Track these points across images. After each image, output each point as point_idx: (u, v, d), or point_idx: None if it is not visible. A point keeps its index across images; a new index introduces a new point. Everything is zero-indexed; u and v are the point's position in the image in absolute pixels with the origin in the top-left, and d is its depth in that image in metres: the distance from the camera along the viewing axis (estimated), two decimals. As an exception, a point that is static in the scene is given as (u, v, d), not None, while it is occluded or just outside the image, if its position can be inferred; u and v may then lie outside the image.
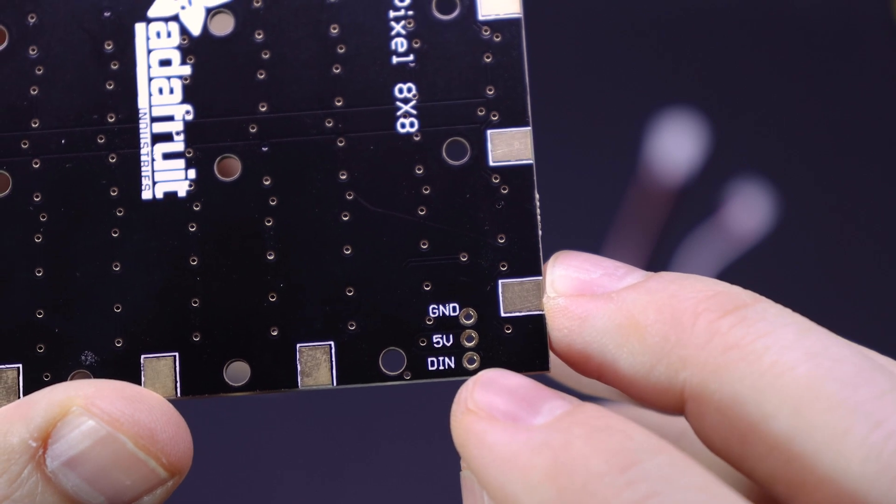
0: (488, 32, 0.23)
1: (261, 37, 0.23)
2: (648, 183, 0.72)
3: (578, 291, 0.22)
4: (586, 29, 0.76)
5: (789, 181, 0.71)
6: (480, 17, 0.23)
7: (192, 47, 0.23)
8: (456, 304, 0.22)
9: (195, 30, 0.22)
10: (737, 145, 0.73)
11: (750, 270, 0.69)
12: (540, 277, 0.22)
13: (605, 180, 0.72)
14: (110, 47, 0.22)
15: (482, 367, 0.22)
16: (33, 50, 0.22)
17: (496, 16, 0.23)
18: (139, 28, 0.22)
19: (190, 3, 0.23)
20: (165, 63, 0.22)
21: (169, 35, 0.23)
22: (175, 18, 0.23)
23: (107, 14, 0.22)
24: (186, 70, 0.22)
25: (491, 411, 0.20)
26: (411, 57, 0.23)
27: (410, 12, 0.23)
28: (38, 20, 0.22)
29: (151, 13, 0.23)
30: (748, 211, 0.70)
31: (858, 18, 0.72)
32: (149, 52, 0.22)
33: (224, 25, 0.23)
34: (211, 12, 0.23)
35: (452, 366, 0.22)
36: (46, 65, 0.22)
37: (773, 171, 0.71)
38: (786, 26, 0.71)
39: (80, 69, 0.22)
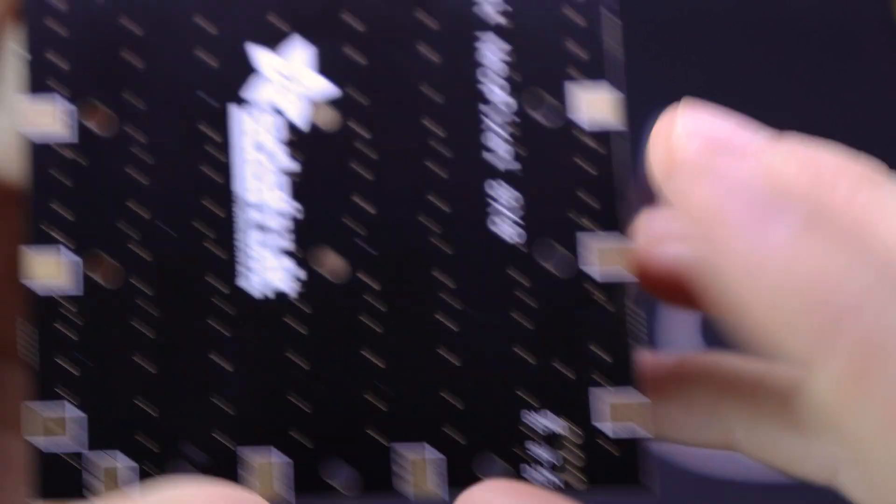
0: (588, 140, 0.22)
1: (366, 134, 0.22)
2: (648, 183, 0.72)
3: (712, 146, 0.21)
4: (586, 29, 0.76)
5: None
6: (581, 124, 0.22)
7: (296, 140, 0.22)
8: (551, 413, 0.22)
9: (299, 121, 0.22)
10: (736, 145, 0.73)
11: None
12: (634, 390, 0.22)
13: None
14: (208, 131, 0.22)
15: (577, 477, 0.22)
16: (138, 134, 0.22)
17: (597, 125, 0.22)
18: (237, 112, 0.22)
19: (294, 94, 0.22)
20: (268, 154, 0.22)
21: (272, 126, 0.22)
22: (278, 109, 0.22)
23: (212, 101, 0.22)
24: (289, 163, 0.22)
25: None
26: (511, 160, 0.22)
27: (517, 119, 0.22)
28: (145, 106, 0.22)
29: (255, 101, 0.22)
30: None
31: (858, 18, 0.72)
32: (252, 143, 0.22)
33: (328, 119, 0.22)
34: (315, 105, 0.22)
35: (550, 477, 0.22)
36: (152, 151, 0.22)
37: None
38: (785, 26, 0.71)
39: (181, 155, 0.22)
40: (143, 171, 0.22)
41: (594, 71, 0.23)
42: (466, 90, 0.22)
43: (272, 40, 0.22)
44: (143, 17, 0.22)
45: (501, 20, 0.23)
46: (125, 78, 0.22)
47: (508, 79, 0.23)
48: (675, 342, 0.62)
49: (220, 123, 0.22)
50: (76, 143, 0.22)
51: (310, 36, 0.22)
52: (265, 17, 0.22)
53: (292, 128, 0.22)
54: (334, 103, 0.22)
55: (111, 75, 0.22)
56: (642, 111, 0.73)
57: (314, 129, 0.22)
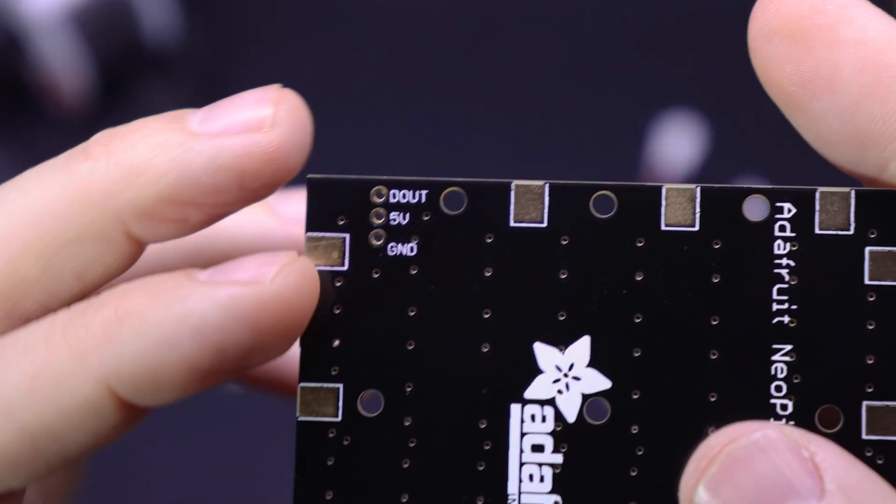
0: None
1: (636, 430, 0.22)
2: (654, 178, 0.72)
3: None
4: (586, 29, 0.76)
5: (789, 181, 0.71)
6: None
7: (566, 434, 0.22)
8: None
9: (570, 416, 0.22)
10: (737, 145, 0.73)
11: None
12: None
13: (605, 180, 0.72)
14: (484, 426, 0.22)
15: None
16: (408, 421, 0.22)
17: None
18: (514, 409, 0.22)
19: (567, 388, 0.22)
20: (538, 449, 0.22)
21: (544, 420, 0.22)
22: (551, 402, 0.22)
23: (484, 391, 0.22)
24: (558, 458, 0.22)
25: None
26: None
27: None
28: (414, 390, 0.22)
29: (528, 395, 0.22)
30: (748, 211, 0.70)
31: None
32: (522, 435, 0.22)
33: (599, 413, 0.22)
34: (586, 399, 0.22)
35: None
36: (420, 436, 0.22)
37: (773, 171, 0.71)
38: (785, 26, 0.71)
39: (452, 445, 0.22)
40: (406, 455, 0.22)
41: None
42: (753, 405, 0.22)
43: (558, 339, 0.22)
44: (424, 303, 0.22)
45: (794, 328, 0.22)
46: (398, 361, 0.22)
47: (799, 393, 0.22)
48: None
49: (502, 423, 0.22)
50: (339, 421, 0.22)
51: (593, 332, 0.22)
52: (556, 316, 0.22)
53: (560, 419, 0.22)
54: (604, 395, 0.22)
55: (383, 357, 0.22)
56: (642, 111, 0.73)
57: (581, 421, 0.22)
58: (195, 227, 0.21)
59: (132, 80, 0.75)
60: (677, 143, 0.72)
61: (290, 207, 0.27)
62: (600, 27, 0.75)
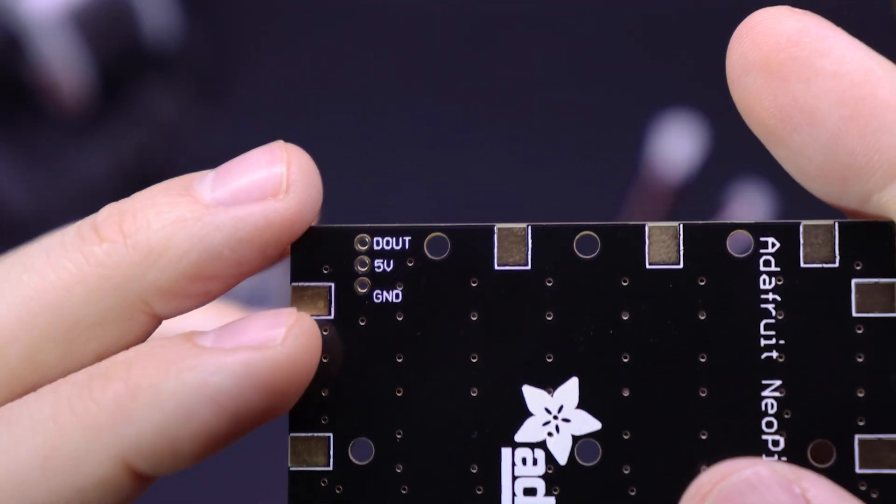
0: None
1: (627, 471, 0.22)
2: (649, 183, 0.72)
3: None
4: (586, 29, 0.76)
5: (789, 181, 0.71)
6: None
7: (558, 477, 0.22)
8: None
9: (562, 458, 0.22)
10: (737, 145, 0.73)
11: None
12: None
13: (605, 180, 0.73)
14: (475, 470, 0.22)
15: None
16: (399, 468, 0.22)
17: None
18: (505, 453, 0.22)
19: (558, 430, 0.22)
20: (530, 492, 0.22)
21: (535, 462, 0.22)
22: (542, 445, 0.22)
23: (474, 435, 0.22)
24: (551, 501, 0.22)
25: None
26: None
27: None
28: (404, 437, 0.22)
29: (518, 438, 0.22)
30: (748, 211, 0.70)
31: (858, 18, 0.72)
32: (514, 478, 0.22)
33: (590, 455, 0.22)
34: (577, 440, 0.22)
35: None
36: (412, 483, 0.22)
37: (773, 171, 0.71)
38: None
39: (445, 490, 0.22)
40: (399, 502, 0.22)
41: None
42: (744, 441, 0.22)
43: (547, 381, 0.22)
44: (411, 349, 0.22)
45: (782, 363, 0.22)
46: (387, 408, 0.22)
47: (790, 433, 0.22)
48: None
49: (493, 467, 0.22)
50: (331, 470, 0.22)
51: (581, 373, 0.22)
52: (544, 358, 0.22)
53: (551, 462, 0.22)
54: (595, 436, 0.22)
55: (372, 405, 0.22)
56: (642, 111, 0.73)
57: (572, 462, 0.22)
58: (215, 297, 0.21)
59: (132, 80, 0.75)
60: (677, 143, 0.72)
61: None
62: (600, 27, 0.75)
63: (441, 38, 0.76)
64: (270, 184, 0.20)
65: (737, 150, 0.74)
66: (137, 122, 0.75)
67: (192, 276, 0.20)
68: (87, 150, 0.73)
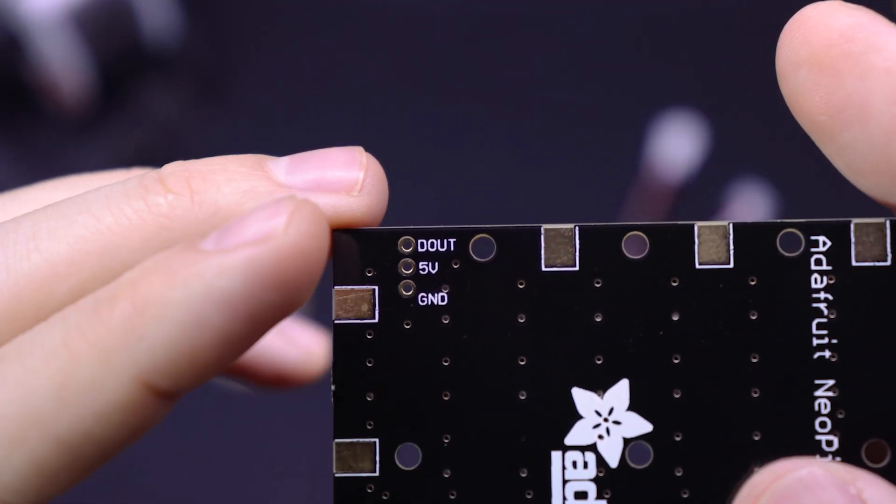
0: None
1: (679, 473, 0.21)
2: (649, 183, 0.72)
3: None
4: (586, 29, 0.76)
5: (789, 181, 0.71)
6: None
7: (609, 480, 0.21)
8: None
9: (613, 461, 0.21)
10: (737, 145, 0.73)
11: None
12: None
13: (605, 180, 0.72)
14: (525, 474, 0.21)
15: None
16: (447, 473, 0.21)
17: None
18: (555, 456, 0.22)
19: (608, 432, 0.22)
20: (581, 496, 0.21)
21: (586, 466, 0.21)
22: (593, 448, 0.21)
23: (523, 439, 0.21)
24: (597, 501, 0.21)
25: None
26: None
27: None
28: (452, 441, 0.21)
29: (569, 441, 0.22)
30: (747, 211, 0.70)
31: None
32: (564, 482, 0.21)
33: (642, 457, 0.21)
34: (628, 443, 0.21)
35: None
36: (460, 488, 0.21)
37: (773, 171, 0.71)
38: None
39: (494, 495, 0.21)
40: None
41: None
42: (797, 442, 0.21)
43: (597, 383, 0.22)
44: (458, 352, 0.22)
45: (835, 363, 0.22)
46: (434, 412, 0.22)
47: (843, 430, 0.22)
48: None
49: (543, 471, 0.21)
50: (377, 476, 0.22)
51: (631, 374, 0.22)
52: (593, 360, 0.22)
53: (602, 464, 0.22)
54: (646, 438, 0.22)
55: (419, 409, 0.22)
56: (642, 111, 0.73)
57: (623, 465, 0.22)
58: None
59: (132, 80, 0.75)
60: (677, 143, 0.72)
61: (308, 338, 0.27)
62: (600, 27, 0.75)
63: (441, 38, 0.76)
64: (346, 181, 0.20)
65: (737, 150, 0.74)
66: (137, 122, 0.75)
67: None
68: (87, 150, 0.73)
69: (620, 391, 0.22)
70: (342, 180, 0.20)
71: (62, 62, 0.71)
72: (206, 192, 0.20)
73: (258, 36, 0.77)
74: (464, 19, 0.76)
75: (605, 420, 0.22)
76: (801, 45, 0.20)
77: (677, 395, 0.22)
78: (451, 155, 0.73)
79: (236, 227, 0.19)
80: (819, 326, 0.21)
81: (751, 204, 0.70)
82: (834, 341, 0.21)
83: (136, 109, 0.75)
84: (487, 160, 0.73)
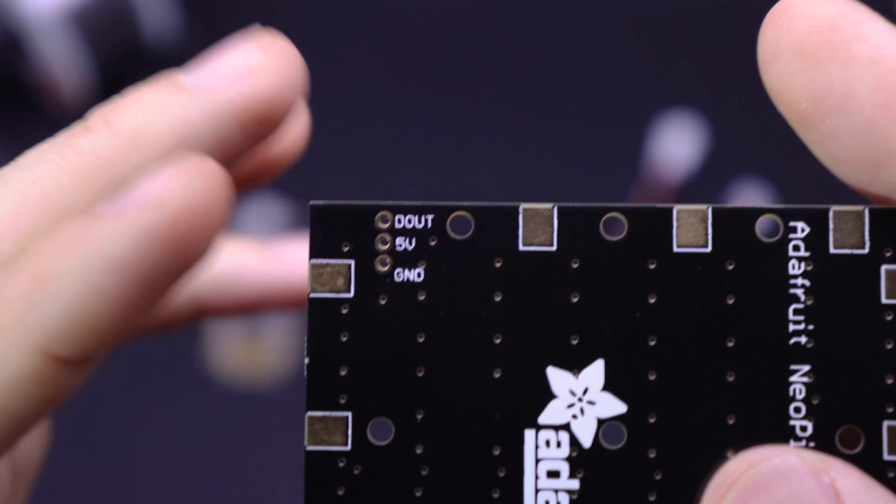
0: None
1: (653, 455, 0.21)
2: (649, 183, 0.72)
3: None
4: (586, 29, 0.76)
5: (789, 181, 0.71)
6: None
7: (582, 459, 0.21)
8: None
9: (586, 441, 0.21)
10: (737, 145, 0.73)
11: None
12: None
13: (605, 180, 0.73)
14: (498, 452, 0.21)
15: None
16: (419, 449, 0.21)
17: None
18: (528, 435, 0.21)
19: (582, 412, 0.22)
20: (554, 475, 0.21)
21: (559, 445, 0.21)
22: (566, 427, 0.21)
23: (497, 417, 0.21)
24: (574, 484, 0.21)
25: None
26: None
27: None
28: (425, 417, 0.21)
29: (542, 420, 0.21)
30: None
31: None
32: (537, 461, 0.21)
33: (615, 438, 0.21)
34: (602, 423, 0.21)
35: None
36: (432, 464, 0.21)
37: (772, 170, 0.71)
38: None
39: (466, 472, 0.21)
40: (419, 483, 0.21)
41: None
42: (772, 427, 0.21)
43: (572, 363, 0.22)
44: (433, 329, 0.22)
45: (811, 349, 0.22)
46: (408, 388, 0.22)
47: (817, 418, 0.22)
48: None
49: (516, 449, 0.21)
50: (349, 450, 0.22)
51: (607, 355, 0.22)
52: (569, 339, 0.22)
53: (575, 444, 0.22)
54: (620, 419, 0.22)
55: (392, 384, 0.22)
56: (642, 111, 0.73)
57: (596, 445, 0.22)
58: None
59: (132, 80, 0.75)
60: (677, 143, 0.72)
61: (291, 252, 0.27)
62: (600, 27, 0.75)
63: (441, 38, 0.76)
64: (247, 66, 0.21)
65: (737, 150, 0.74)
66: (137, 122, 0.75)
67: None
68: (87, 150, 0.73)
69: (595, 371, 0.22)
70: (245, 67, 0.21)
71: (62, 62, 0.71)
72: (120, 122, 0.20)
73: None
74: (464, 19, 0.76)
75: (580, 400, 0.22)
76: (784, 33, 0.20)
77: (652, 378, 0.22)
78: (451, 155, 0.73)
79: (131, 188, 0.19)
80: (796, 312, 0.21)
81: (750, 203, 0.70)
82: (810, 327, 0.21)
83: (136, 109, 0.75)
84: (487, 160, 0.73)
